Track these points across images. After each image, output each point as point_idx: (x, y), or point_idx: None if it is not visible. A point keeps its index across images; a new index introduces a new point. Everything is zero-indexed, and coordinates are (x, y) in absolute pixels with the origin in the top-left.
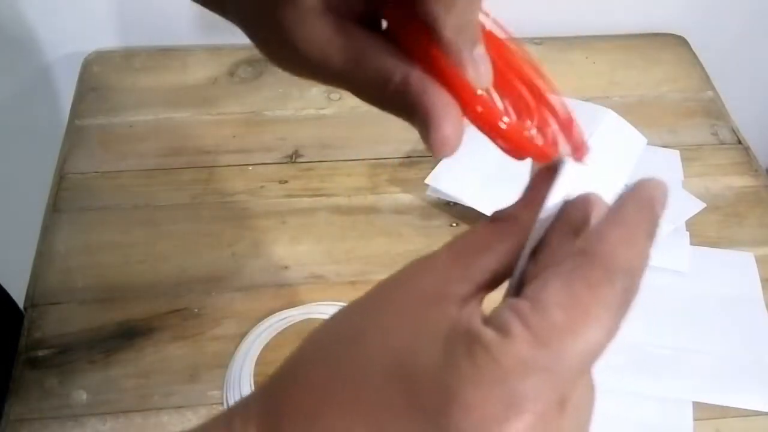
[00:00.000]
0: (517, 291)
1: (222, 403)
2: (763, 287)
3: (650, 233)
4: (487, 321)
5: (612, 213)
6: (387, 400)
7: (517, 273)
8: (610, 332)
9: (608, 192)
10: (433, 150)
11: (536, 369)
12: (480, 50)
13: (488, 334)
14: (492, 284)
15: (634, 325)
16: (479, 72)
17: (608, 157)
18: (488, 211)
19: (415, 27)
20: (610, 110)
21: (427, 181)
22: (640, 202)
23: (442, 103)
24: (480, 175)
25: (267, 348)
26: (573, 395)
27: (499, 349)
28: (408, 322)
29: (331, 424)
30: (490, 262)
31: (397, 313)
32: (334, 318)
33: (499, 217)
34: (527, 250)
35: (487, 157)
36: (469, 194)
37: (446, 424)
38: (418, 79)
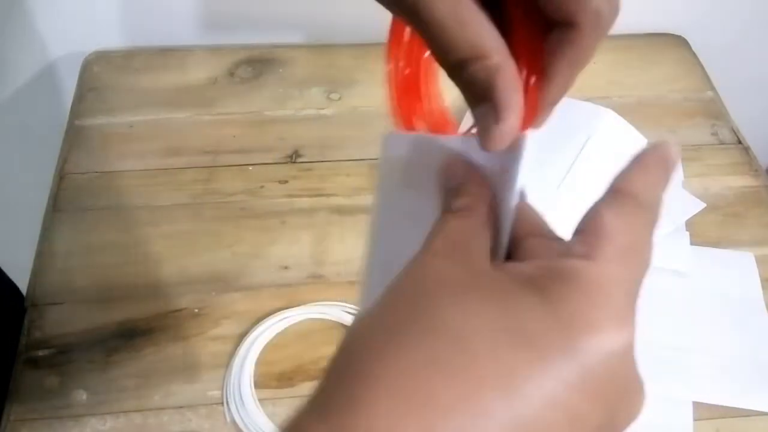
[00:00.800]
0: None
1: (222, 404)
2: (763, 287)
3: (666, 181)
4: (562, 254)
5: (637, 163)
6: (508, 361)
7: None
8: (652, 250)
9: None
10: (488, 138)
11: (625, 284)
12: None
13: (575, 262)
14: None
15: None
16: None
17: (608, 157)
18: None
19: (522, 34)
20: (609, 110)
21: None
22: (658, 158)
23: (517, 99)
24: None
25: (267, 348)
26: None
27: (595, 272)
28: (474, 295)
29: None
30: (480, 241)
31: (454, 293)
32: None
33: (453, 202)
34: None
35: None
36: None
37: (580, 350)
38: (511, 70)
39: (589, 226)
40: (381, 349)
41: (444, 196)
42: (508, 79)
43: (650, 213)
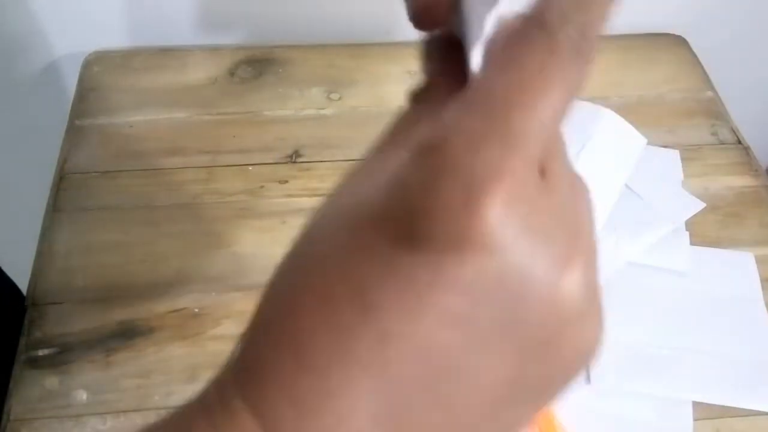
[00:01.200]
0: None
1: None
2: (763, 287)
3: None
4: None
5: None
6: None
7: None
8: (567, 91)
9: (608, 192)
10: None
11: (488, 140)
12: None
13: (429, 127)
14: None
15: (634, 325)
16: None
17: (608, 157)
18: None
19: None
20: (609, 110)
21: None
22: None
23: None
24: None
25: None
26: (552, 166)
27: (441, 132)
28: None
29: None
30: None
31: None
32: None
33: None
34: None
35: None
36: None
37: (419, 230)
38: None
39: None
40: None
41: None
42: None
43: (568, 31)
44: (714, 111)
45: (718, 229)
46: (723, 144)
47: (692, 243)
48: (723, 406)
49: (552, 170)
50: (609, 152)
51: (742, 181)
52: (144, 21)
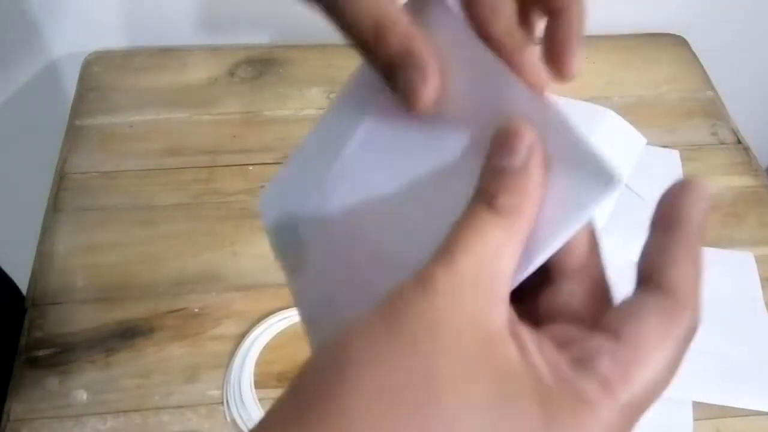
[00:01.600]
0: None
1: (222, 403)
2: (763, 287)
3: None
4: (580, 365)
5: (683, 245)
6: None
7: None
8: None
9: None
10: (413, 98)
11: (630, 416)
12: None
13: (593, 396)
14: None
15: None
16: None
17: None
18: None
19: None
20: (609, 110)
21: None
22: (698, 235)
23: (434, 59)
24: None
25: (267, 348)
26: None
27: (607, 417)
28: (476, 371)
29: None
30: (510, 268)
31: (456, 354)
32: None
33: (503, 209)
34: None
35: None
36: None
37: None
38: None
39: (628, 340)
40: (369, 412)
41: (488, 176)
42: (424, 43)
43: (695, 319)
44: (714, 111)
45: (718, 229)
46: (723, 144)
47: None
48: (723, 406)
49: None
50: (609, 152)
51: (742, 181)
52: (144, 21)
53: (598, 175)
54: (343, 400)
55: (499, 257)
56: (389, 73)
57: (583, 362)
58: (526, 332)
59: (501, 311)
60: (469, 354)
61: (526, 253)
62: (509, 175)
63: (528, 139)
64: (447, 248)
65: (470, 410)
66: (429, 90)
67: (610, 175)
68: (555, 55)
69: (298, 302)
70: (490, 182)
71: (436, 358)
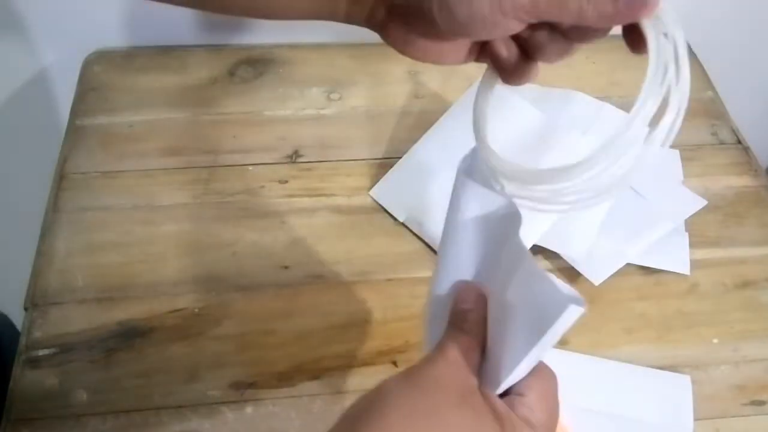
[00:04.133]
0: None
1: (222, 403)
2: (763, 287)
3: None
4: (518, 412)
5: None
6: None
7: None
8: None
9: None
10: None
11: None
12: None
13: (524, 427)
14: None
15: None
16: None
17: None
18: (419, 232)
19: None
20: (606, 103)
21: (370, 192)
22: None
23: None
24: (419, 197)
25: (267, 347)
26: None
27: (523, 426)
28: (460, 415)
29: None
30: (476, 359)
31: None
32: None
33: (467, 331)
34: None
35: (433, 181)
36: (403, 213)
37: None
38: None
39: (525, 403)
40: (400, 418)
41: (456, 315)
42: None
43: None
44: (714, 111)
45: (718, 229)
46: (723, 144)
47: (692, 243)
48: (724, 406)
49: None
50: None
51: (742, 181)
52: (144, 21)
53: (561, 304)
54: (381, 420)
55: (469, 353)
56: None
57: (514, 408)
58: (488, 392)
59: (473, 378)
60: (458, 394)
61: (511, 362)
62: (468, 313)
63: (476, 293)
64: (442, 345)
65: (457, 419)
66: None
67: (571, 302)
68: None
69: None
70: (458, 316)
71: (438, 395)
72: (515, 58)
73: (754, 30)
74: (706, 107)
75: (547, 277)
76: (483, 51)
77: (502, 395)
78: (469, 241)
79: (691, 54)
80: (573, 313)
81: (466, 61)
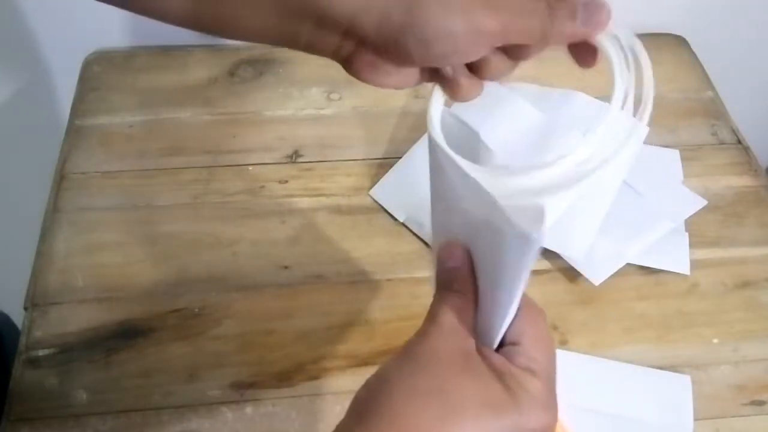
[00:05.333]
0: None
1: (222, 403)
2: (763, 287)
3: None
4: (519, 364)
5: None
6: (483, 420)
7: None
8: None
9: (608, 185)
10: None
11: (548, 389)
12: None
13: (527, 377)
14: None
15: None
16: None
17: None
18: (419, 232)
19: None
20: (606, 103)
21: (370, 192)
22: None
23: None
24: (419, 197)
25: (267, 347)
26: None
27: (534, 385)
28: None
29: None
30: (469, 320)
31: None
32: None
33: (458, 291)
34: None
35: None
36: (403, 213)
37: (526, 420)
38: None
39: (521, 351)
40: (404, 399)
41: (443, 275)
42: None
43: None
44: (714, 111)
45: (717, 229)
46: (723, 144)
47: (692, 243)
48: (724, 406)
49: None
50: (608, 143)
51: (742, 181)
52: (144, 21)
53: (521, 238)
54: (387, 404)
55: (462, 314)
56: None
57: (512, 359)
58: (485, 349)
59: (469, 340)
60: (457, 363)
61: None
62: (455, 271)
63: (460, 249)
64: (434, 313)
65: (460, 388)
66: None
67: (528, 237)
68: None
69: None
70: (446, 275)
71: (438, 369)
72: (463, 78)
73: (754, 30)
74: (706, 107)
75: (504, 215)
76: (434, 72)
77: (499, 347)
78: (446, 204)
79: (691, 54)
80: (534, 245)
81: (419, 83)
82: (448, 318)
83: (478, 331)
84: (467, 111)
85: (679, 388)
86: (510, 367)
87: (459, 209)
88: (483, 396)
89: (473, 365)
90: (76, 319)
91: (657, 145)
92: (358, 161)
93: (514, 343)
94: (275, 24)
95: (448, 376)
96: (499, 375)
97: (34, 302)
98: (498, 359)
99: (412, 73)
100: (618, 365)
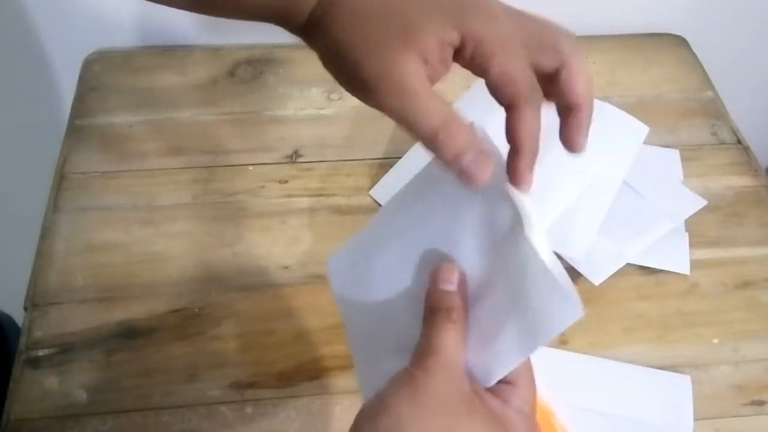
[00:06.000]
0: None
1: (222, 403)
2: (764, 286)
3: None
4: (511, 403)
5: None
6: None
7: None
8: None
9: (608, 184)
10: (478, 176)
11: (532, 421)
12: None
13: (517, 416)
14: None
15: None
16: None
17: (606, 148)
18: None
19: None
20: (606, 103)
21: (370, 192)
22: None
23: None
24: None
25: (267, 347)
26: None
27: (523, 423)
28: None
29: None
30: (463, 349)
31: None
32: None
33: (451, 312)
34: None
35: None
36: None
37: None
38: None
39: (518, 394)
40: (401, 416)
41: (436, 297)
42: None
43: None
44: (714, 111)
45: (717, 229)
46: (723, 144)
47: (692, 243)
48: (724, 406)
49: None
50: (608, 143)
51: (742, 181)
52: (144, 21)
53: (565, 304)
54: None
55: (460, 349)
56: (452, 159)
57: (508, 400)
58: (480, 390)
59: (465, 379)
60: (462, 404)
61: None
62: (453, 296)
63: (459, 273)
64: (433, 345)
65: (461, 421)
66: (489, 169)
67: (574, 305)
68: (571, 140)
69: (349, 340)
70: (442, 300)
71: (444, 409)
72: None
73: (754, 30)
74: (706, 107)
75: (552, 276)
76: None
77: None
78: (444, 220)
79: (691, 54)
80: (572, 317)
81: None
82: (450, 355)
83: (469, 364)
84: (472, 110)
85: (679, 388)
86: (506, 411)
87: (469, 234)
88: (470, 420)
89: (475, 408)
90: (76, 319)
91: (657, 145)
92: (358, 161)
93: (510, 383)
94: None
95: (457, 418)
96: (499, 419)
97: (34, 302)
98: (495, 403)
99: None
100: (618, 365)
